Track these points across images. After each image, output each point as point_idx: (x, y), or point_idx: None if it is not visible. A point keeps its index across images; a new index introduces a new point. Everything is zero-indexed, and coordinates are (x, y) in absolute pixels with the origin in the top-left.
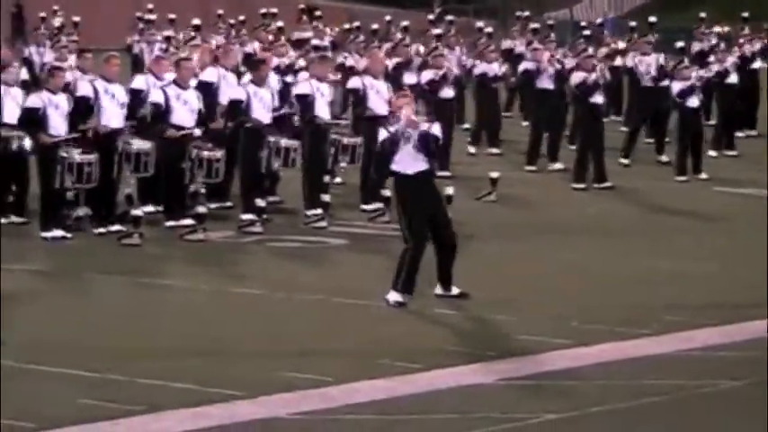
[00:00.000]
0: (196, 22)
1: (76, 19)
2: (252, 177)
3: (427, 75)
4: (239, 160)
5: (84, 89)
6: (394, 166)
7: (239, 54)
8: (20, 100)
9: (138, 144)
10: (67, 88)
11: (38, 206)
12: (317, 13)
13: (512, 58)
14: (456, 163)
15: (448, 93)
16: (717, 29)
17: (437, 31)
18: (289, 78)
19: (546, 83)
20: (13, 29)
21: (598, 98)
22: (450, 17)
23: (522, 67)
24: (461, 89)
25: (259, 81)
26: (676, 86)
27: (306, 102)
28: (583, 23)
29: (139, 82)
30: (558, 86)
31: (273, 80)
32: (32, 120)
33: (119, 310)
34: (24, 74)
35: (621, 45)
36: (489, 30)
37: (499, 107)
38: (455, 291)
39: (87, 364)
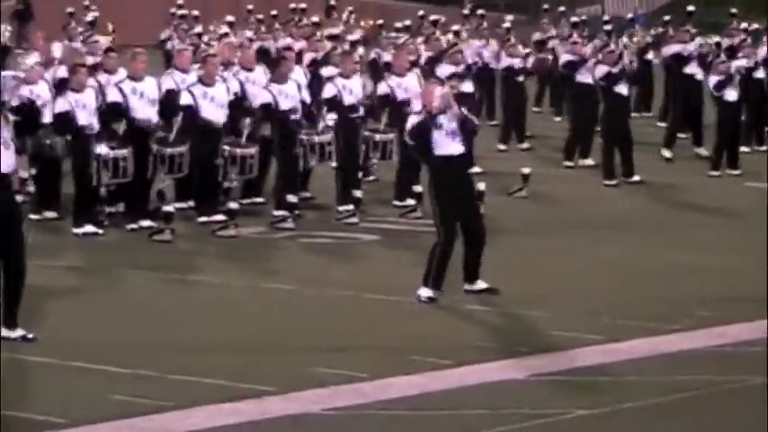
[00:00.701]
0: (230, 18)
1: (96, 14)
2: (289, 175)
3: (448, 68)
4: (277, 159)
5: (112, 95)
6: (435, 150)
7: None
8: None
9: (173, 146)
10: (101, 87)
11: (71, 203)
12: (349, 8)
13: (544, 50)
14: (487, 158)
15: (468, 87)
16: (744, 25)
17: (456, 27)
18: (324, 71)
19: (586, 77)
20: (19, 27)
21: (623, 89)
22: (481, 11)
23: (565, 58)
24: (491, 84)
25: (280, 78)
26: (713, 79)
27: (333, 103)
28: (606, 18)
29: (168, 83)
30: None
31: (300, 74)
32: (64, 123)
33: (151, 306)
34: (62, 72)
35: (650, 39)
36: (507, 24)
37: (525, 101)
38: (482, 285)
39: (120, 360)
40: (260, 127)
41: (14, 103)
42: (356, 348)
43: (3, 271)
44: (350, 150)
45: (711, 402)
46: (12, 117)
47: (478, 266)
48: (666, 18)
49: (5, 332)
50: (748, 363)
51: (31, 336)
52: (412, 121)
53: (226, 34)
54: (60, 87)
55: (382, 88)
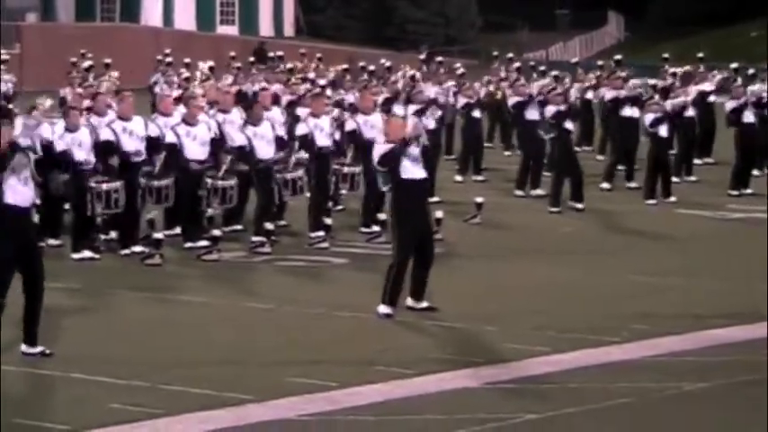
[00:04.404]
0: (210, 64)
1: (108, 61)
2: (267, 206)
3: (413, 106)
4: (257, 193)
5: (105, 134)
6: (402, 174)
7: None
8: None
9: (159, 179)
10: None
11: (69, 231)
12: (318, 55)
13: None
14: (445, 189)
15: (429, 123)
16: (673, 70)
17: (410, 71)
18: (300, 111)
19: (533, 114)
20: None
21: (569, 125)
22: (439, 58)
23: (514, 99)
24: (450, 122)
25: (255, 120)
26: (649, 117)
27: (306, 141)
28: (542, 68)
29: (153, 130)
30: (541, 118)
31: (278, 114)
32: (64, 161)
33: (143, 324)
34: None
35: (592, 78)
36: (462, 70)
37: (482, 136)
38: (425, 304)
39: (116, 372)
40: (237, 164)
41: (36, 142)
42: (327, 360)
43: (24, 293)
44: (321, 182)
45: (648, 407)
46: (33, 156)
47: (425, 286)
48: (600, 63)
49: (25, 348)
50: (681, 371)
51: (48, 351)
52: (381, 149)
53: (208, 78)
54: None
55: (350, 125)
